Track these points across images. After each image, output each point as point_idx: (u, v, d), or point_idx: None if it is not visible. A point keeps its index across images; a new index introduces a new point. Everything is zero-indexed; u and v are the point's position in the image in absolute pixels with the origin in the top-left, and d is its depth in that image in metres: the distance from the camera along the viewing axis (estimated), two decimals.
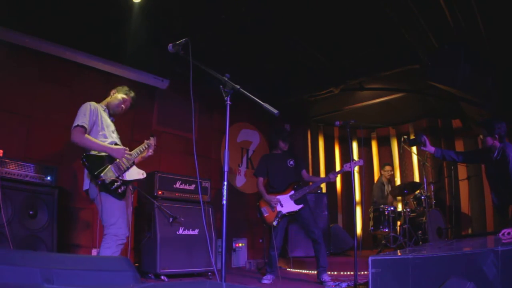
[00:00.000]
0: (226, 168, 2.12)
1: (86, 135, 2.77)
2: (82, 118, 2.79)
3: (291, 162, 4.33)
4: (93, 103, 2.93)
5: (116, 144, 2.93)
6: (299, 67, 5.47)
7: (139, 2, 3.82)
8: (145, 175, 2.99)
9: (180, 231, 4.16)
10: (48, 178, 3.47)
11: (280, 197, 4.15)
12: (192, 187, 4.49)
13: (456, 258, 1.92)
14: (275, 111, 2.21)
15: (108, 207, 2.71)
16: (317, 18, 4.30)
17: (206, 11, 4.08)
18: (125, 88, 3.17)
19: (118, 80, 4.70)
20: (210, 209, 4.50)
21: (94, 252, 4.08)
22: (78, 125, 2.76)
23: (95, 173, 2.68)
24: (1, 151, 3.24)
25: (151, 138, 3.16)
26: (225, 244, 2.05)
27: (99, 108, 2.95)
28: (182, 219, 4.14)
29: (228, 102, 2.18)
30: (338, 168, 7.80)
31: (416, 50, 4.55)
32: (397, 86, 6.01)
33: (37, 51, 4.02)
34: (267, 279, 4.10)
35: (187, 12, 4.10)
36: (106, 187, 2.70)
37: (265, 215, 4.13)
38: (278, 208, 4.08)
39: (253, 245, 5.92)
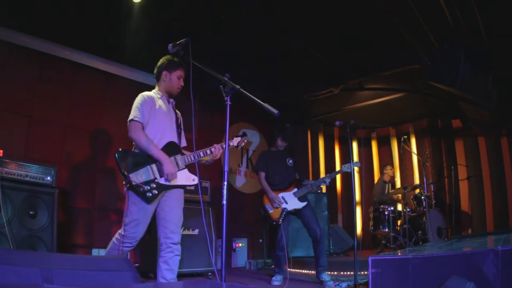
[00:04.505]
0: (226, 168, 2.12)
1: (144, 133, 2.62)
2: (136, 112, 2.62)
3: (290, 161, 4.30)
4: (147, 93, 2.74)
5: (171, 142, 2.74)
6: (299, 67, 5.46)
7: (139, 2, 3.82)
8: (196, 181, 2.76)
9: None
10: (48, 178, 3.47)
11: (283, 194, 4.08)
12: (192, 187, 4.47)
13: (456, 258, 1.93)
14: (275, 111, 2.21)
15: (130, 206, 2.58)
16: (317, 18, 4.30)
17: (206, 11, 4.08)
18: (173, 60, 2.79)
19: (118, 80, 4.71)
20: (210, 209, 4.50)
21: (94, 252, 4.08)
22: (134, 120, 2.60)
23: (125, 172, 2.51)
24: (1, 151, 3.22)
25: (238, 138, 3.06)
26: (225, 244, 2.04)
27: (155, 98, 2.74)
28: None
29: (228, 102, 2.18)
30: (338, 168, 7.80)
31: (416, 50, 4.55)
32: (397, 86, 6.01)
33: (37, 51, 4.02)
34: (276, 280, 4.02)
35: (187, 12, 4.10)
36: (133, 188, 2.55)
37: (269, 212, 4.05)
38: (283, 205, 4.04)
39: (253, 245, 5.91)
